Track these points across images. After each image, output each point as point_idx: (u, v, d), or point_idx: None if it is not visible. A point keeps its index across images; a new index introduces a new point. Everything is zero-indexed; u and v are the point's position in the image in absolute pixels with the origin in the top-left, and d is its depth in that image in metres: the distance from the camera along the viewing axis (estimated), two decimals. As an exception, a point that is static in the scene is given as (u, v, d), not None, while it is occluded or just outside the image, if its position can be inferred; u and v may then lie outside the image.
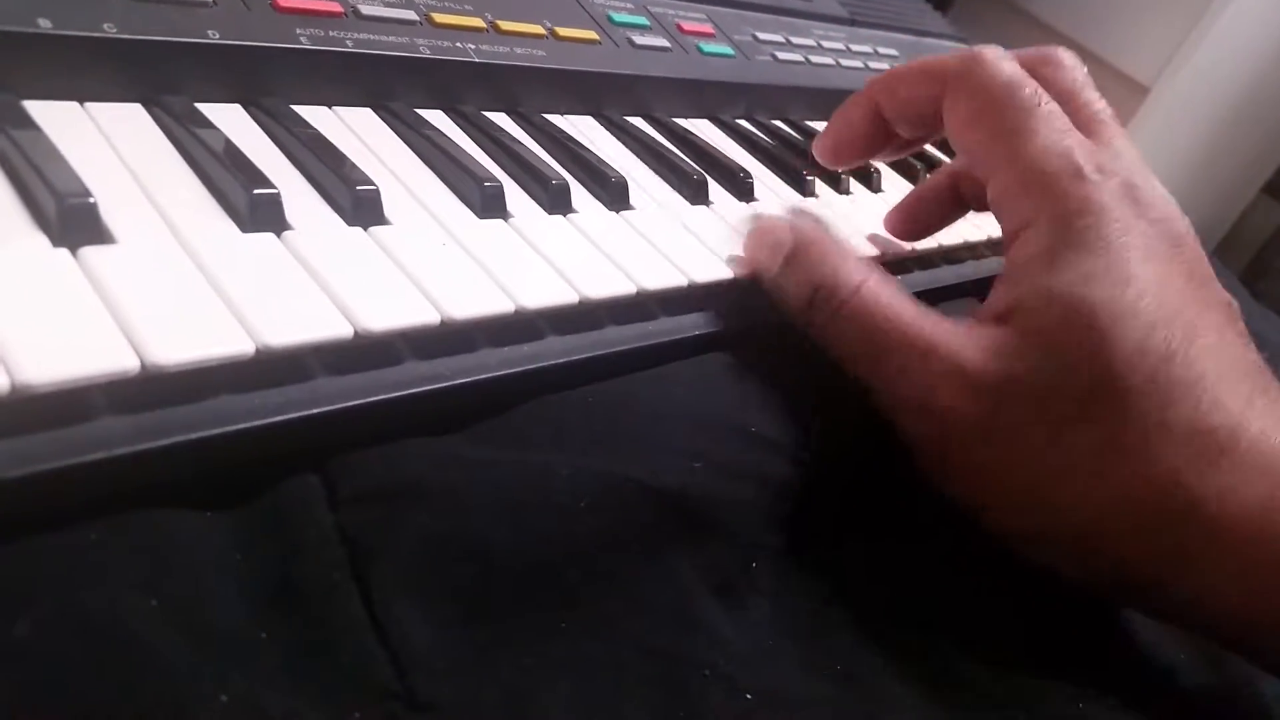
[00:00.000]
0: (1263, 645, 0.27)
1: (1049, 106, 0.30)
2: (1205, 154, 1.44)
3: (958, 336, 0.27)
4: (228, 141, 0.27)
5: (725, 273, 0.33)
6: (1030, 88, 0.30)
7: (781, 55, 0.51)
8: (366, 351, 0.23)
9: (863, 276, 0.29)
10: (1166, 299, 0.27)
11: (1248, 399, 0.26)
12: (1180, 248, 0.29)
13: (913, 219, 0.39)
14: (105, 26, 0.27)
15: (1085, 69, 0.33)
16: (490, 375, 0.25)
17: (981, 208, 0.38)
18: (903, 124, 0.34)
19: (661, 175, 0.38)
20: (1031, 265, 0.28)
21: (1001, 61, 0.31)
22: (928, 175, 0.45)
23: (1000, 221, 0.31)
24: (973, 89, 0.31)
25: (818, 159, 0.38)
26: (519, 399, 0.25)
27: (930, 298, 0.39)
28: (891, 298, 0.28)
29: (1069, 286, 0.27)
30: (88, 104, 0.27)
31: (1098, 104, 0.32)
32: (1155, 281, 0.27)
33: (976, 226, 0.44)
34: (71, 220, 0.22)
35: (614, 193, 0.34)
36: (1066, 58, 0.33)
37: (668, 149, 0.40)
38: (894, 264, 0.40)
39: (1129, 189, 0.29)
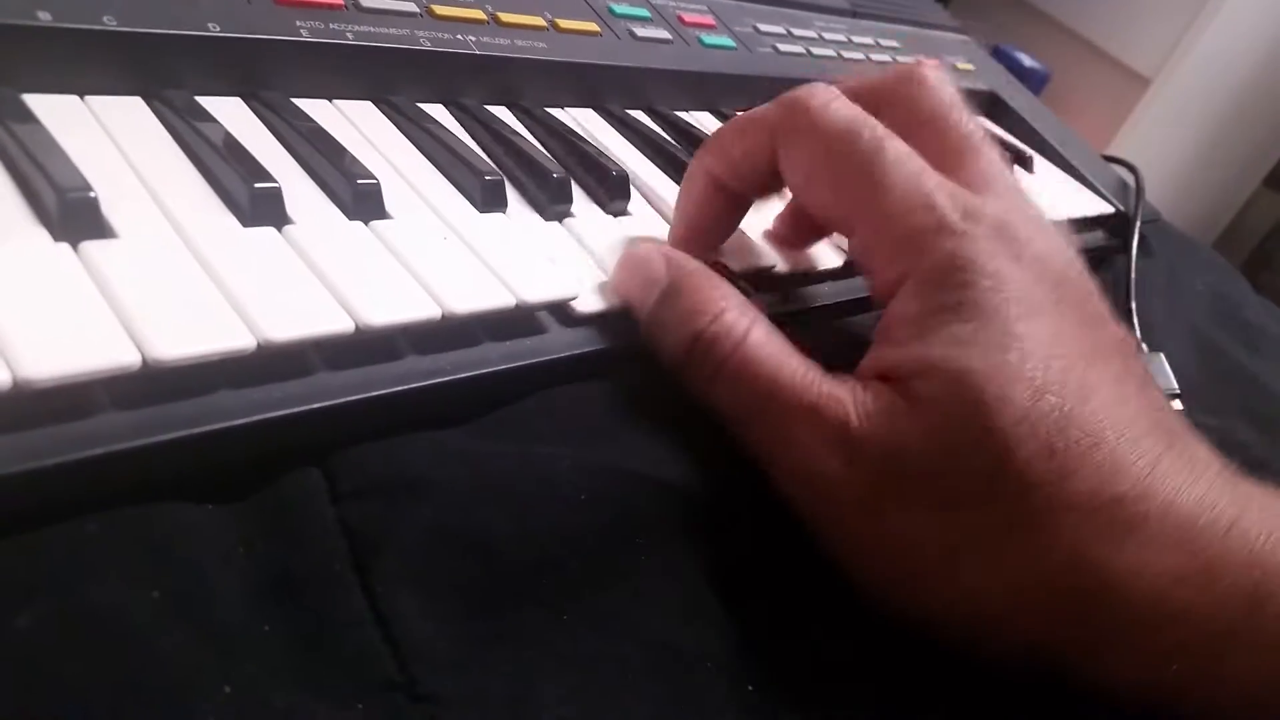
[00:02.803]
0: None
1: (896, 148, 0.26)
2: (1206, 146, 1.44)
3: (842, 397, 0.25)
4: (228, 135, 0.27)
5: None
6: (869, 130, 0.26)
7: (783, 47, 0.51)
8: (367, 346, 0.23)
9: (745, 326, 0.26)
10: (1054, 357, 0.24)
11: (1153, 459, 0.23)
12: (1064, 286, 0.26)
13: (797, 227, 0.35)
14: (105, 19, 0.27)
15: (954, 87, 0.28)
16: (491, 370, 0.25)
17: None
18: (751, 189, 0.30)
19: (662, 168, 0.38)
20: (906, 329, 0.25)
21: (831, 104, 0.27)
22: None
23: (866, 277, 0.28)
24: (803, 139, 0.27)
25: (669, 259, 0.28)
26: (521, 393, 0.26)
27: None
28: (775, 351, 0.26)
29: (945, 357, 0.24)
30: (88, 97, 0.27)
31: (967, 125, 0.28)
32: (1040, 339, 0.24)
33: None
34: (72, 215, 0.22)
35: (614, 186, 0.34)
36: (931, 75, 0.29)
37: (669, 142, 0.40)
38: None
39: (1001, 230, 0.25)
